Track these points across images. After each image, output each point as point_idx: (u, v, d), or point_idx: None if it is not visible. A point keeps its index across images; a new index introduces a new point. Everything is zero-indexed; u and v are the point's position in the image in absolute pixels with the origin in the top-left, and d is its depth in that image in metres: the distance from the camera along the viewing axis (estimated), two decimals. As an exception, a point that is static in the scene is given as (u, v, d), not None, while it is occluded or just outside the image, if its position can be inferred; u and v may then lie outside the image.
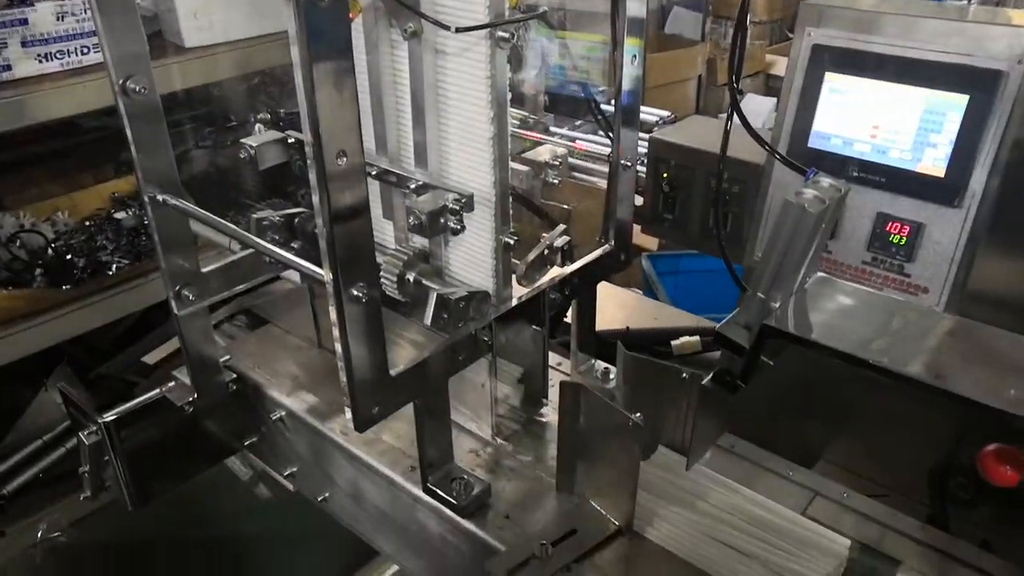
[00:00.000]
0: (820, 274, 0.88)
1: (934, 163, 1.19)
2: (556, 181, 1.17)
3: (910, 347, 0.78)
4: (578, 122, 1.87)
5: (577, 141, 1.64)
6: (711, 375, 0.92)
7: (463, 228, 1.03)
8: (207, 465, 1.42)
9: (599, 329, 1.72)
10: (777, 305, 0.81)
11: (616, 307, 2.09)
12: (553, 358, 1.41)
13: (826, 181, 0.80)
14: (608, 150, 1.47)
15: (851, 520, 1.10)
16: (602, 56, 1.65)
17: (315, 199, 0.87)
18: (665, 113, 1.73)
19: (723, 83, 4.95)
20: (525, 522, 1.09)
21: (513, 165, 1.19)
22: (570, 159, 1.73)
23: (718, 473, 1.15)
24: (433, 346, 1.04)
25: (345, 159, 0.85)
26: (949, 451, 0.99)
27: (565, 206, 1.70)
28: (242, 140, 1.20)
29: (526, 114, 1.80)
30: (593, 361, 1.38)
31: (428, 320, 1.03)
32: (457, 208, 1.02)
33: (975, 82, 1.14)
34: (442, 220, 1.02)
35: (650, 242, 3.22)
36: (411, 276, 1.10)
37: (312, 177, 0.84)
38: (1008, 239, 1.17)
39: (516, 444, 1.22)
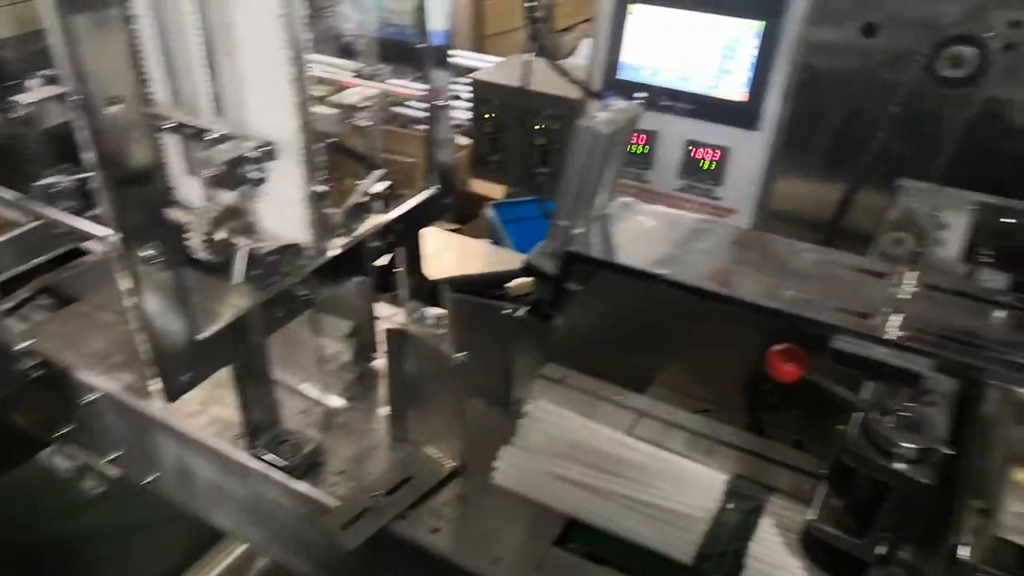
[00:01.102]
0: (624, 199, 0.90)
1: (735, 89, 1.24)
2: (369, 123, 1.13)
3: (703, 260, 0.81)
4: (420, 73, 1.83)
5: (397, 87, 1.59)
6: (528, 307, 0.92)
7: (264, 178, 0.98)
8: (14, 463, 1.30)
9: (441, 278, 1.71)
10: (579, 231, 0.82)
11: (461, 256, 2.09)
12: (389, 310, 1.39)
13: (619, 104, 0.81)
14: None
15: (678, 436, 1.15)
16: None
17: (88, 154, 0.80)
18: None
19: (560, 28, 5.01)
20: (359, 475, 1.08)
21: (320, 109, 1.14)
22: (409, 109, 1.68)
23: (551, 404, 1.17)
24: (244, 305, 0.99)
25: (120, 106, 0.78)
26: (755, 360, 1.04)
27: (410, 159, 1.66)
28: (13, 98, 1.09)
29: (361, 65, 1.74)
30: (425, 309, 1.36)
31: (236, 278, 0.98)
32: (257, 157, 0.96)
33: (766, 8, 1.18)
34: (241, 171, 0.96)
35: (496, 191, 3.23)
36: (219, 234, 1.04)
37: (82, 129, 0.77)
38: (801, 159, 1.24)
39: (348, 399, 1.20)
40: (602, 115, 0.78)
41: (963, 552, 0.66)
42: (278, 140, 0.99)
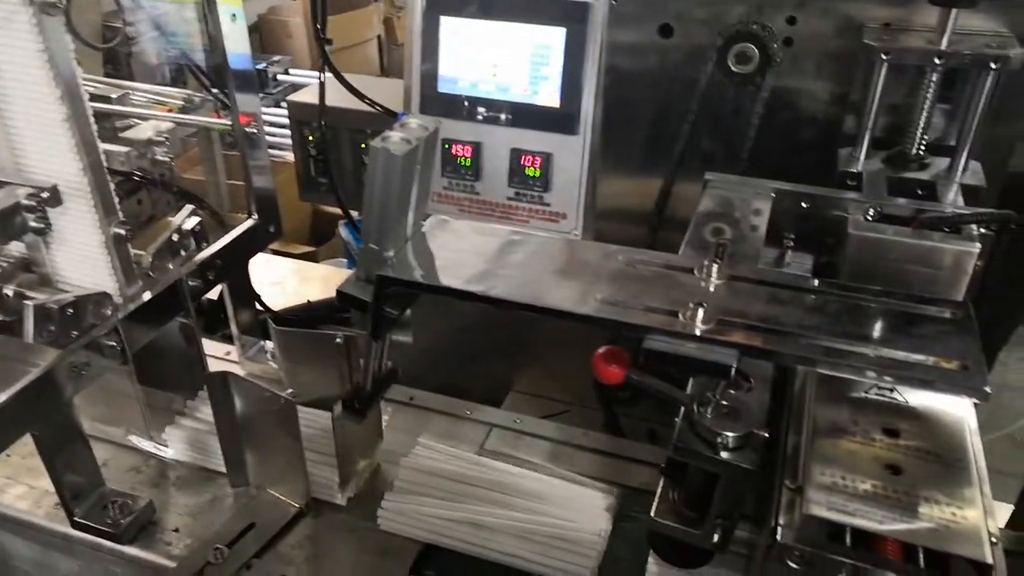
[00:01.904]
0: (437, 216, 0.89)
1: (549, 95, 1.26)
2: (167, 159, 1.07)
3: (518, 273, 0.81)
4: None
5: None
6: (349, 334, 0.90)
7: (49, 226, 0.90)
8: None
9: (288, 308, 1.64)
10: (392, 253, 0.80)
11: (316, 281, 2.02)
12: (224, 349, 1.33)
13: (414, 121, 0.80)
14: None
15: (526, 443, 1.15)
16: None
17: None
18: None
19: (401, 42, 4.97)
20: (198, 530, 1.01)
21: (109, 147, 1.07)
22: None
23: (396, 427, 1.15)
24: (41, 365, 0.90)
25: None
26: None
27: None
28: None
29: (189, 92, 1.64)
30: (262, 343, 1.31)
31: (28, 336, 0.90)
32: (35, 204, 0.89)
33: (568, 15, 1.20)
34: (19, 219, 0.88)
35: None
36: (9, 290, 0.95)
37: None
38: (619, 159, 1.28)
39: (184, 450, 1.13)
40: (396, 135, 0.77)
41: (779, 532, 0.69)
42: (63, 183, 0.91)
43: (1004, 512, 1.19)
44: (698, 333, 0.75)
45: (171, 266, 1.07)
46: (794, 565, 0.68)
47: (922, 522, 0.67)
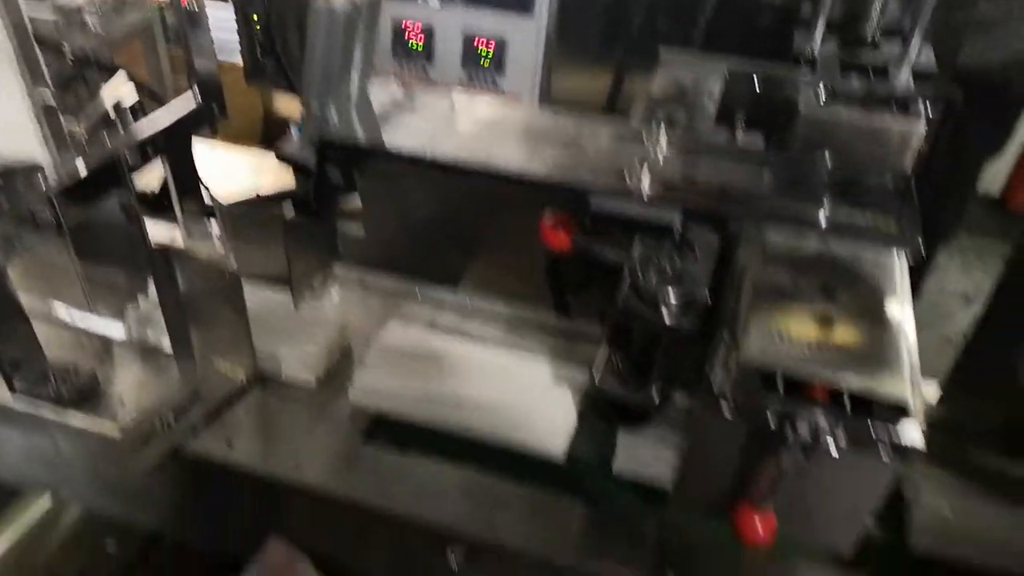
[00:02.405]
0: (383, 81, 0.86)
1: (504, -29, 1.22)
2: (99, 30, 1.02)
3: (464, 137, 0.80)
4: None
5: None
6: (291, 203, 0.88)
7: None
8: None
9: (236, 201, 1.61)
10: (335, 117, 0.77)
11: (268, 174, 1.98)
12: (168, 229, 1.30)
13: (358, -20, 0.77)
14: None
15: (477, 323, 1.16)
16: None
17: None
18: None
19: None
20: (143, 401, 1.01)
21: (36, 14, 1.01)
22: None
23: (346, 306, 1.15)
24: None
25: None
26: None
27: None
28: None
29: None
30: (207, 222, 1.28)
31: (-46, 204, 0.87)
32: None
33: None
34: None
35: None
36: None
37: None
38: (575, 41, 1.25)
39: (129, 327, 1.11)
40: (339, -2, 0.74)
41: (715, 382, 0.71)
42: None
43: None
44: (644, 195, 0.75)
45: (108, 141, 1.03)
46: (728, 414, 0.70)
47: (848, 370, 0.69)
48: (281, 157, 0.80)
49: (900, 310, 0.77)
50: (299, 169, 0.81)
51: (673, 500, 0.82)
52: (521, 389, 1.03)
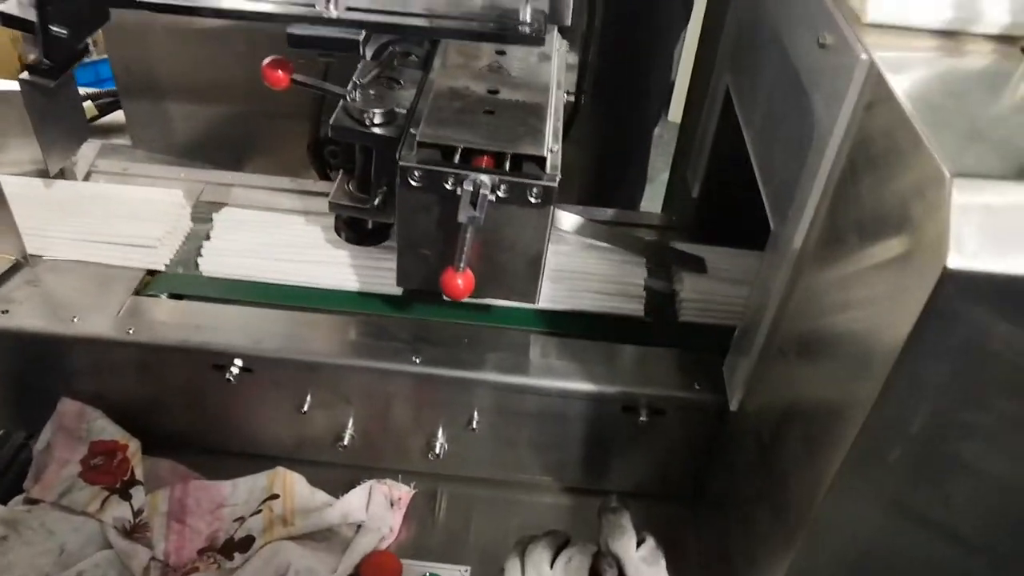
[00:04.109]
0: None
1: None
2: None
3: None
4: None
5: None
6: (25, 68, 0.94)
7: None
8: None
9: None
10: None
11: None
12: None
13: None
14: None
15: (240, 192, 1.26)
16: None
17: None
18: None
19: None
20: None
21: None
22: None
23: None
24: None
25: None
26: (315, 121, 1.17)
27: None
28: None
29: None
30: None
31: None
32: None
33: None
34: None
35: None
36: None
37: None
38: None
39: None
40: None
41: (402, 158, 0.86)
42: None
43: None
44: (334, 16, 0.88)
45: None
46: (415, 183, 0.86)
47: (504, 140, 0.87)
48: (2, 19, 0.86)
49: (548, 97, 0.95)
50: (25, 29, 0.88)
51: (400, 281, 0.97)
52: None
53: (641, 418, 0.99)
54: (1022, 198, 0.54)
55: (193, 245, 1.16)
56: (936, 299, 0.53)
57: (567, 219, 1.13)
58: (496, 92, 0.95)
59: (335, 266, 1.10)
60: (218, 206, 1.21)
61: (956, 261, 0.51)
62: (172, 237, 1.15)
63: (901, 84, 0.63)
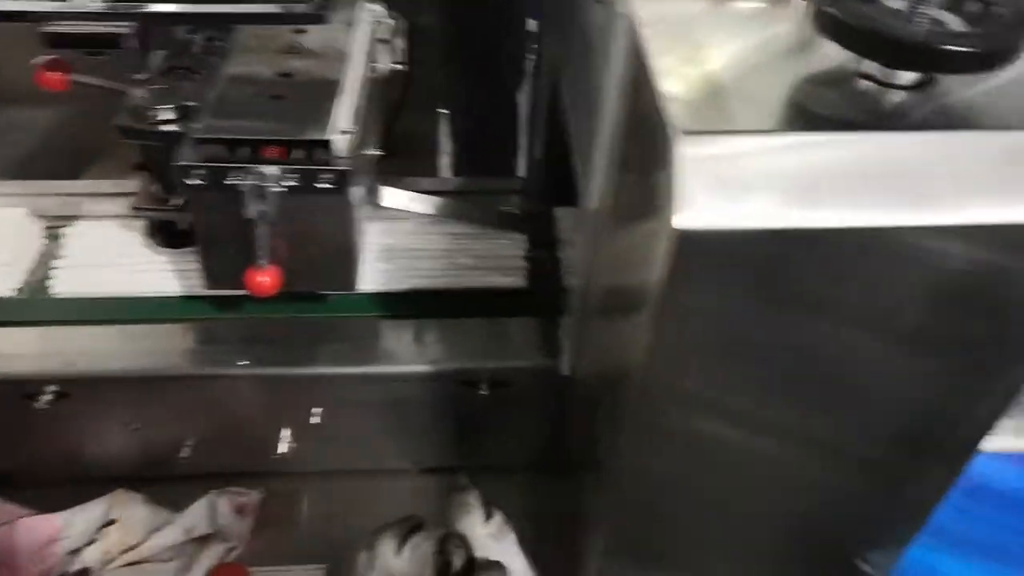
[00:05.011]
0: None
1: None
2: None
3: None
4: None
5: None
6: None
7: None
8: None
9: None
10: None
11: None
12: None
13: None
14: None
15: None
16: None
17: None
18: None
19: None
20: None
21: None
22: None
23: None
24: None
25: None
26: None
27: None
28: None
29: None
30: None
31: None
32: None
33: None
34: None
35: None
36: None
37: None
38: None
39: None
40: None
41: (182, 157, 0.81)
42: None
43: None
44: (95, 11, 0.81)
45: None
46: (198, 182, 0.81)
47: (288, 127, 0.82)
48: None
49: (343, 75, 0.91)
50: None
51: (207, 283, 0.93)
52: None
53: (481, 392, 0.97)
54: (752, 152, 0.53)
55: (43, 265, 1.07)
56: (676, 259, 0.52)
57: (398, 196, 1.09)
58: (288, 75, 0.90)
59: (156, 273, 1.05)
60: (68, 219, 1.13)
61: (684, 220, 0.50)
62: (21, 259, 1.07)
63: (652, 39, 0.61)
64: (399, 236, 1.11)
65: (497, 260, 1.12)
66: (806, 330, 0.58)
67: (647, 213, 0.57)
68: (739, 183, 0.51)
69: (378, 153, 1.07)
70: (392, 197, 1.08)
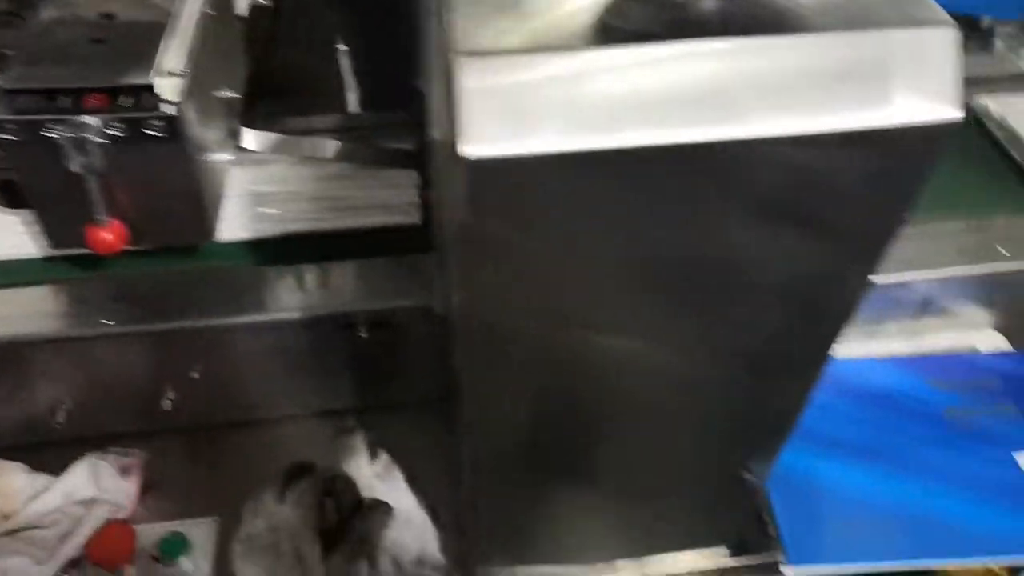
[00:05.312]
0: None
1: None
2: None
3: None
4: None
5: None
6: None
7: None
8: None
9: None
10: None
11: None
12: None
13: None
14: None
15: None
16: None
17: None
18: None
19: None
20: None
21: None
22: None
23: None
24: None
25: None
26: None
27: None
28: None
29: None
30: None
31: None
32: None
33: None
34: None
35: None
36: None
37: None
38: None
39: None
40: None
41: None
42: None
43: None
44: None
45: None
46: (14, 137, 0.76)
47: (107, 73, 0.77)
48: None
49: (176, 16, 0.86)
50: None
51: (50, 244, 0.89)
52: None
53: (360, 334, 0.95)
54: (546, 71, 0.50)
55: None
56: (469, 190, 0.50)
57: (264, 138, 1.05)
58: (111, 16, 0.84)
59: (10, 235, 0.99)
60: None
61: (470, 149, 0.48)
62: None
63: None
64: (272, 181, 1.07)
65: (381, 198, 1.09)
66: (623, 255, 0.56)
67: (448, 143, 0.54)
68: (532, 105, 0.48)
69: (234, 95, 1.01)
70: (257, 140, 1.03)
